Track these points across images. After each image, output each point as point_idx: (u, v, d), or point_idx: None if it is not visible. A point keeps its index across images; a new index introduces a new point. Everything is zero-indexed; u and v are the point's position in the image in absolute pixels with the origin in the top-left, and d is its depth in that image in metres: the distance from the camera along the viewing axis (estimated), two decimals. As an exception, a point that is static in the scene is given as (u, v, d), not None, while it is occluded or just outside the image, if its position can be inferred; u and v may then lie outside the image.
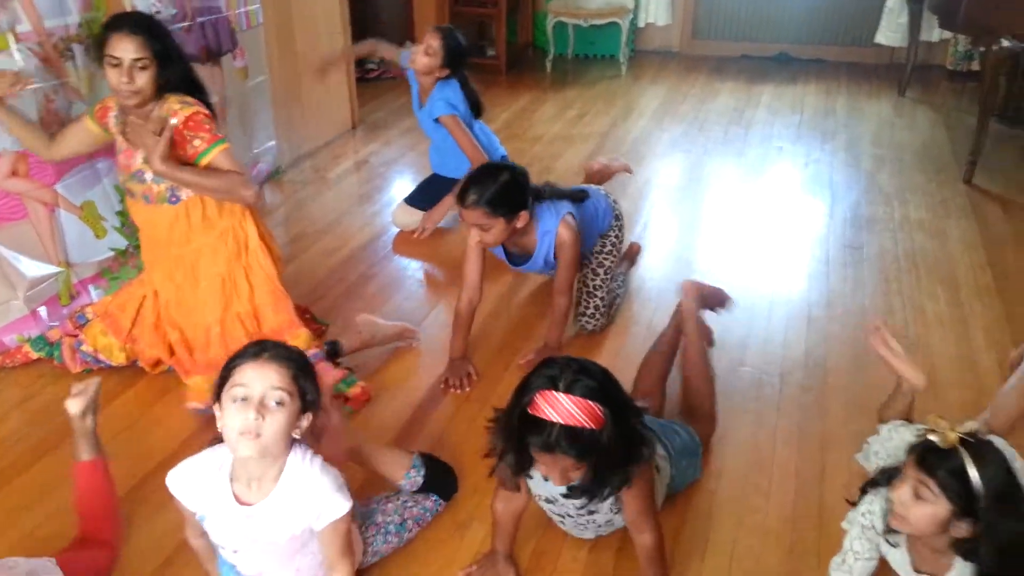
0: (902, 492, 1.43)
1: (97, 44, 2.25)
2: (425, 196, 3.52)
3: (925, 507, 1.40)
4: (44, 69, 2.63)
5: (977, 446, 1.39)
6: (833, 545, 1.84)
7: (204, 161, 2.27)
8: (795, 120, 4.91)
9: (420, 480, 1.91)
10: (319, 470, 1.50)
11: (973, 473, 1.35)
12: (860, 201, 3.75)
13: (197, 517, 1.56)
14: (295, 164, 4.24)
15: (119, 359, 2.50)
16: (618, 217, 2.82)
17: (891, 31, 5.57)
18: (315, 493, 1.48)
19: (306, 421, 1.48)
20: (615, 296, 2.83)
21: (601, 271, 2.74)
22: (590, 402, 1.45)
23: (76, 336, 2.54)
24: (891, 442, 1.93)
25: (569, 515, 1.75)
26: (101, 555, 1.71)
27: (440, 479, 1.97)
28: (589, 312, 2.72)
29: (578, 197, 2.62)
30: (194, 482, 1.53)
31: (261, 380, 1.40)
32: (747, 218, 3.62)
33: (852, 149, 4.41)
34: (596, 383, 1.48)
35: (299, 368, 1.46)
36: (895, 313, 2.82)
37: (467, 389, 2.46)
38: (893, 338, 1.76)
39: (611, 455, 1.48)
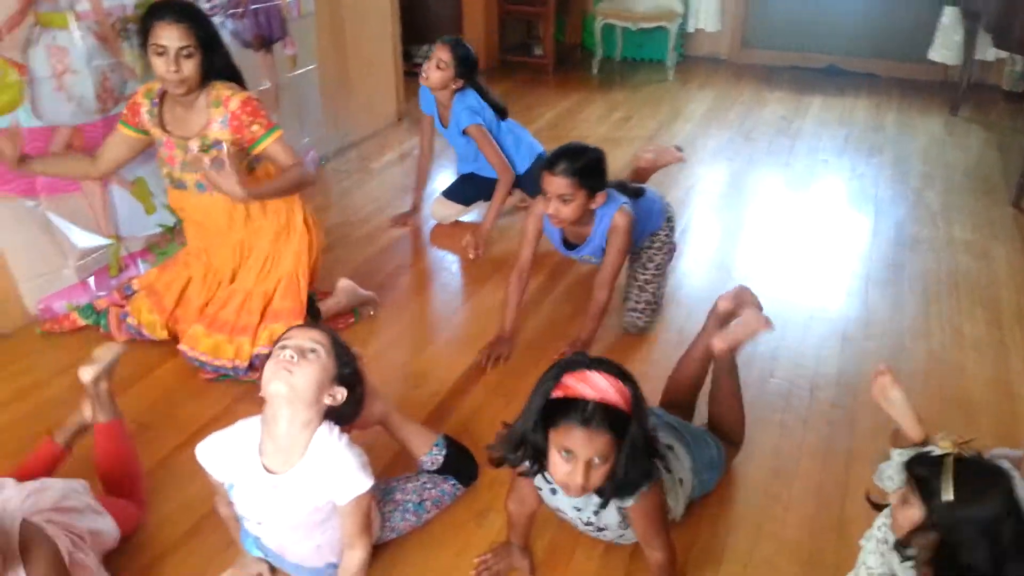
0: (894, 496, 1.43)
1: (141, 32, 2.27)
2: (463, 190, 3.55)
3: (908, 511, 1.39)
4: (101, 48, 2.72)
5: (973, 464, 1.33)
6: (851, 559, 1.83)
7: (261, 147, 2.34)
8: (843, 133, 4.85)
9: (440, 459, 1.94)
10: (345, 446, 1.56)
11: (947, 483, 1.31)
12: (905, 219, 3.69)
13: (225, 487, 1.60)
14: (340, 153, 4.30)
15: (161, 335, 2.57)
16: (670, 219, 2.82)
17: (945, 48, 5.47)
18: (340, 468, 1.53)
19: (340, 395, 1.55)
20: (660, 298, 2.82)
21: (652, 266, 2.75)
22: (620, 381, 1.45)
23: (123, 307, 2.62)
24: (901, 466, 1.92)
25: (577, 526, 1.76)
26: (130, 507, 1.77)
27: (461, 463, 2.00)
28: (640, 308, 2.73)
29: (635, 193, 2.64)
30: (223, 452, 1.58)
31: (302, 334, 1.56)
32: (788, 230, 3.60)
33: (900, 165, 4.35)
34: (619, 370, 1.49)
35: (337, 339, 1.61)
36: (932, 335, 2.78)
37: (488, 366, 2.54)
38: (895, 387, 1.70)
39: (637, 447, 1.47)
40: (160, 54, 2.20)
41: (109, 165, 2.55)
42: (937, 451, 1.37)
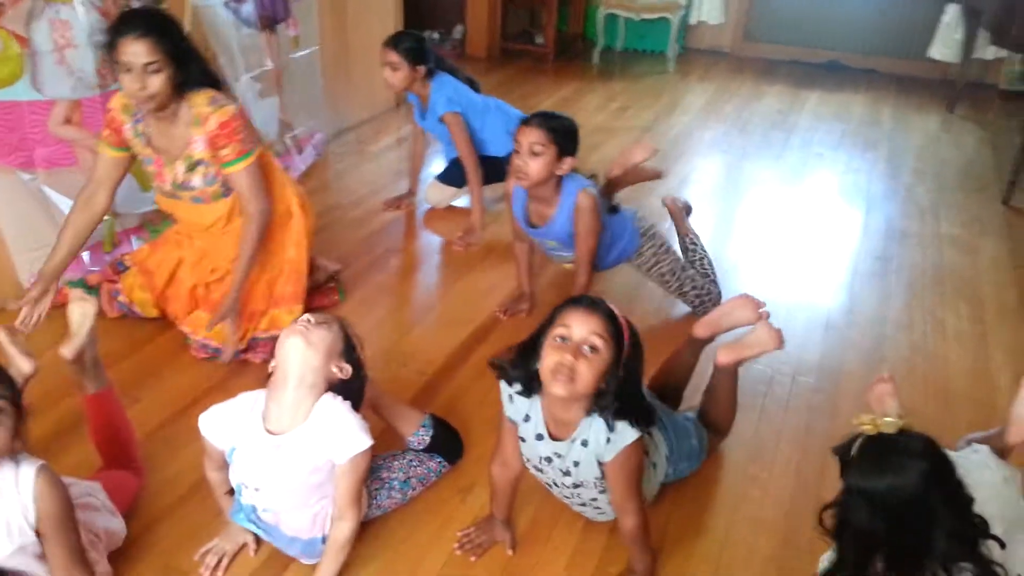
0: None
1: (107, 48, 2.11)
2: (457, 173, 3.57)
3: None
4: (103, 23, 2.74)
5: (883, 440, 1.31)
6: (829, 542, 1.88)
7: (229, 171, 2.26)
8: (839, 128, 4.88)
9: (427, 440, 1.98)
10: (347, 410, 1.63)
11: (856, 460, 1.32)
12: (895, 213, 3.73)
13: (227, 451, 1.65)
14: (338, 136, 4.33)
15: (152, 313, 2.60)
16: (645, 234, 2.72)
17: (946, 46, 5.49)
18: (341, 427, 1.60)
19: (346, 371, 1.67)
20: (704, 278, 2.79)
21: (667, 274, 2.74)
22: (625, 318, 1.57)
23: (115, 283, 2.65)
24: None
25: (555, 484, 1.80)
26: (129, 477, 1.82)
27: (447, 442, 2.04)
28: (695, 304, 2.77)
29: (610, 209, 2.62)
30: (226, 419, 1.65)
31: (315, 317, 1.68)
32: (779, 221, 3.63)
33: (893, 161, 4.38)
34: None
35: (347, 326, 1.74)
36: (915, 326, 2.82)
37: (506, 316, 2.75)
38: (893, 398, 1.74)
39: (629, 370, 1.56)
40: (127, 71, 2.06)
41: (108, 193, 2.40)
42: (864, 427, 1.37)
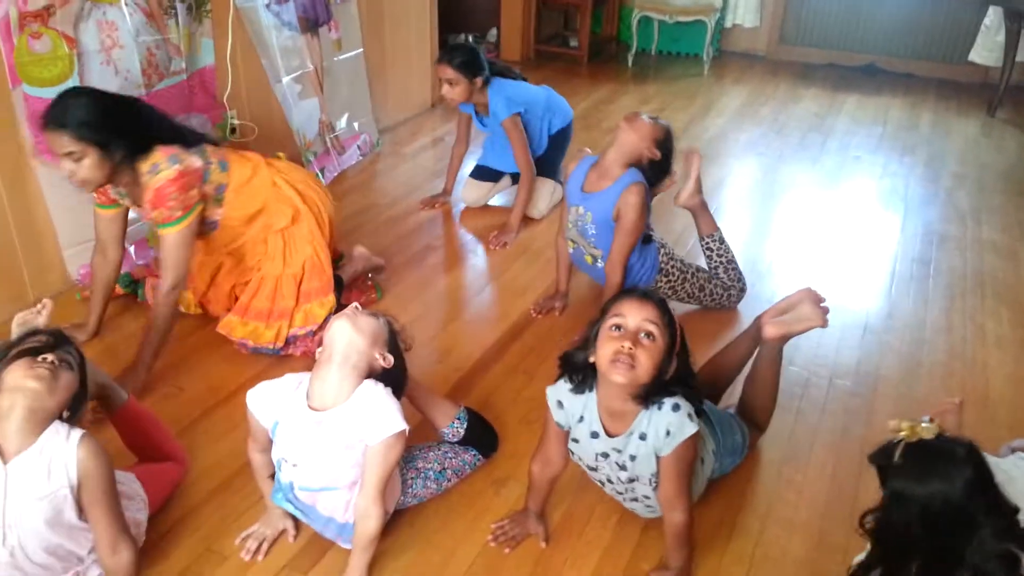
0: None
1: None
2: (488, 169, 3.61)
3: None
4: (148, 24, 2.81)
5: (923, 447, 1.31)
6: (861, 544, 1.87)
7: (160, 232, 2.24)
8: (877, 132, 4.83)
9: (462, 432, 2.01)
10: (387, 395, 1.69)
11: (896, 466, 1.33)
12: (934, 217, 3.68)
13: (270, 426, 1.69)
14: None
15: (194, 311, 2.65)
16: (663, 271, 2.69)
17: (987, 50, 5.41)
18: (379, 409, 1.65)
19: (389, 360, 1.73)
20: (725, 291, 2.79)
21: (684, 297, 2.75)
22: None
23: (159, 278, 2.69)
24: None
25: (609, 480, 1.80)
26: (170, 466, 1.86)
27: (482, 435, 2.06)
28: (714, 307, 2.79)
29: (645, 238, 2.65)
30: (272, 395, 1.70)
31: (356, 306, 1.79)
32: (816, 224, 3.60)
33: (932, 165, 4.32)
34: None
35: (390, 324, 1.80)
36: (954, 331, 2.79)
37: (540, 315, 2.78)
38: (956, 417, 1.77)
39: (682, 360, 1.62)
40: (59, 157, 2.08)
41: (117, 247, 2.45)
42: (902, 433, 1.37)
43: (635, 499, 1.83)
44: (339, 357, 1.66)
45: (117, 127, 2.10)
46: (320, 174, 3.72)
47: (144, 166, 2.16)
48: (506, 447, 2.13)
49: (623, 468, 1.73)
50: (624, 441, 1.68)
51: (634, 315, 1.57)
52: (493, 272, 3.10)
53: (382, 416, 1.64)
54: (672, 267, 2.72)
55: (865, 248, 3.39)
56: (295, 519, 1.86)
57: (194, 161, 2.25)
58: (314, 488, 1.72)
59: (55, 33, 2.55)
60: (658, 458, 1.67)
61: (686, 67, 6.18)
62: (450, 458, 1.97)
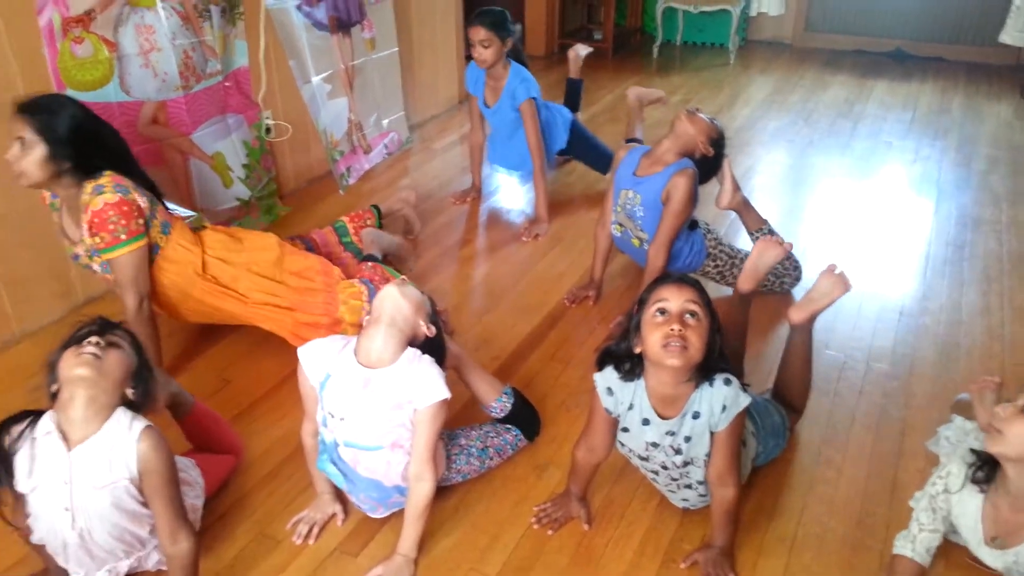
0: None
1: None
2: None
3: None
4: (184, 26, 2.87)
5: None
6: (903, 522, 1.87)
7: (104, 257, 2.15)
8: (907, 117, 4.80)
9: (508, 407, 2.06)
10: (430, 363, 1.75)
11: None
12: (968, 201, 3.66)
13: (320, 381, 1.75)
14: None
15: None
16: (712, 255, 2.76)
17: (1017, 30, 5.34)
18: (424, 375, 1.72)
19: (431, 330, 1.81)
20: (776, 279, 2.81)
21: (732, 280, 2.76)
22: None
23: None
24: (963, 431, 1.97)
25: (664, 467, 1.80)
26: (227, 457, 1.92)
27: (526, 415, 2.10)
28: (764, 291, 2.80)
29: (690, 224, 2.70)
30: (323, 351, 1.78)
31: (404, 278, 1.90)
32: (848, 210, 3.60)
33: (964, 148, 4.29)
34: None
35: (433, 303, 1.87)
36: (992, 312, 2.78)
37: (574, 305, 2.81)
38: (992, 394, 1.84)
39: (718, 331, 1.63)
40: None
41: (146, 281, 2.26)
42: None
43: (688, 486, 1.83)
44: (387, 318, 1.73)
45: (78, 139, 2.07)
46: (347, 173, 3.77)
47: (89, 185, 2.10)
48: (546, 432, 2.17)
49: (678, 452, 1.74)
50: (678, 423, 1.70)
51: (676, 298, 1.60)
52: (527, 263, 3.14)
53: (429, 382, 1.71)
54: (720, 252, 2.77)
55: (898, 233, 3.38)
56: (344, 504, 1.91)
57: (141, 199, 2.15)
58: (359, 445, 1.76)
59: (96, 37, 2.62)
60: (711, 435, 1.69)
61: (712, 57, 6.17)
62: (492, 437, 2.02)
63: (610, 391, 1.75)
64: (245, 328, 2.63)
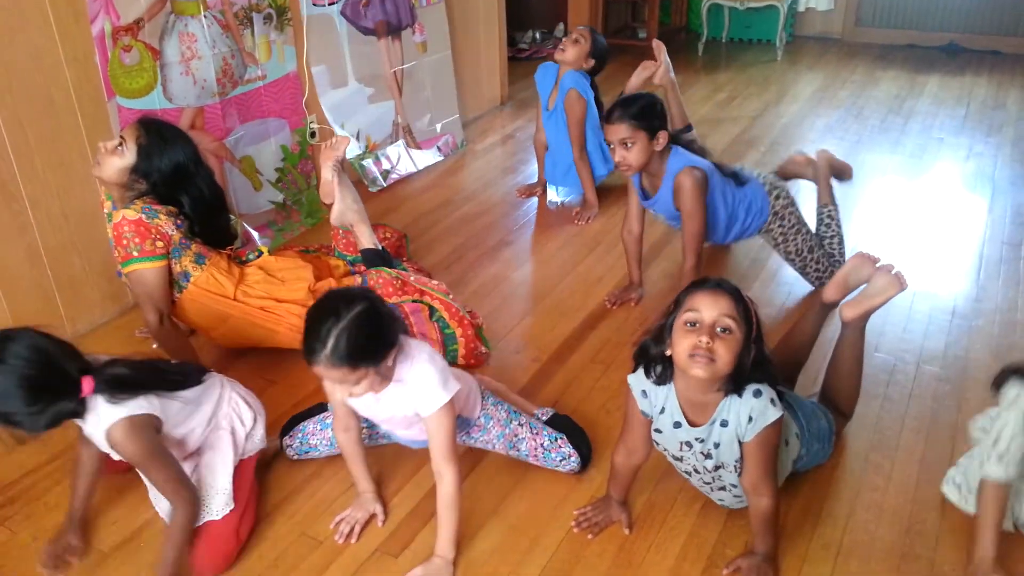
0: None
1: None
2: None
3: None
4: (224, 34, 2.92)
5: None
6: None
7: (124, 270, 2.23)
8: (960, 112, 4.67)
9: (550, 412, 2.14)
10: (426, 360, 1.72)
11: None
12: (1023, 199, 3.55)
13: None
14: (446, 134, 4.44)
15: None
16: (779, 213, 2.72)
17: (1079, 21, 5.17)
18: (423, 386, 1.71)
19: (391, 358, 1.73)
20: (830, 259, 2.79)
21: (793, 250, 2.75)
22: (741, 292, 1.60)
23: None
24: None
25: (696, 470, 1.80)
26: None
27: (572, 428, 2.08)
28: (812, 276, 2.79)
29: (733, 176, 2.66)
30: None
31: None
32: (899, 208, 3.51)
33: (1020, 144, 4.15)
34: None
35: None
36: (1050, 313, 2.69)
37: (615, 306, 2.79)
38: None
39: (758, 342, 1.59)
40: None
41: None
42: None
43: (722, 488, 1.82)
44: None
45: (166, 173, 2.19)
46: (382, 177, 3.79)
47: (129, 195, 2.21)
48: (587, 436, 2.15)
49: (708, 456, 1.73)
50: (707, 430, 1.68)
51: (709, 309, 1.55)
52: (567, 265, 3.12)
53: (428, 390, 1.71)
54: (789, 213, 2.73)
55: (951, 231, 3.28)
56: (384, 505, 1.92)
57: (166, 225, 2.20)
58: (395, 437, 1.98)
59: (143, 45, 2.67)
60: (741, 444, 1.66)
61: (758, 54, 6.08)
62: (528, 434, 2.01)
63: (644, 394, 1.74)
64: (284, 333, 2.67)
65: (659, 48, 3.40)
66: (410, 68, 3.86)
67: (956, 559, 1.78)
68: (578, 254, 3.19)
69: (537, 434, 2.01)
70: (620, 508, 1.90)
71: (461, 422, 1.94)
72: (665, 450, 1.82)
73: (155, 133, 2.19)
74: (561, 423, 2.08)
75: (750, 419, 1.62)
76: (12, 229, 2.43)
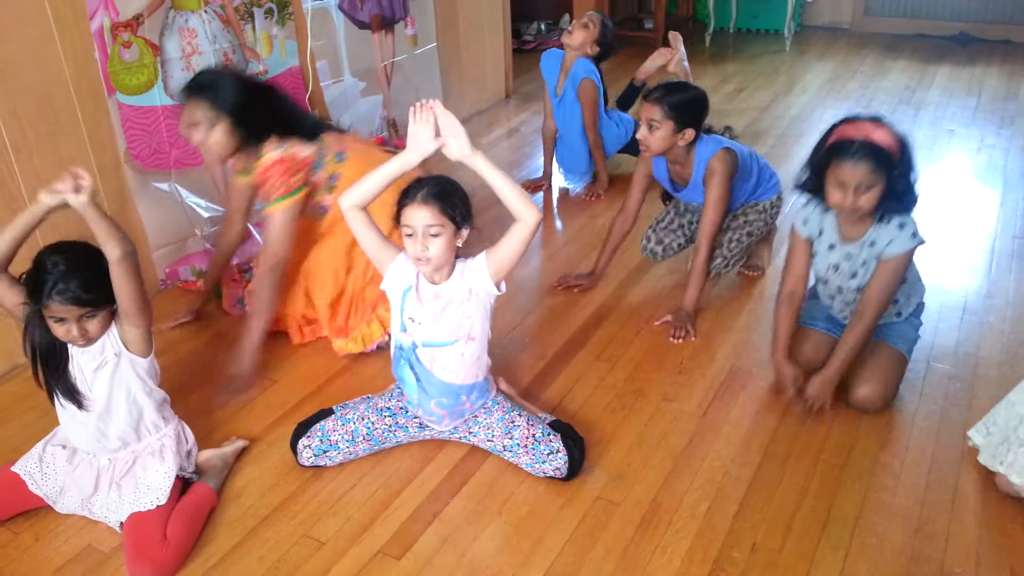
0: None
1: None
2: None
3: None
4: (224, 30, 2.89)
5: None
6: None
7: (267, 211, 2.34)
8: (971, 103, 4.61)
9: (551, 416, 2.12)
10: (472, 258, 1.95)
11: None
12: (1036, 190, 3.50)
13: (403, 290, 1.95)
14: (451, 128, 4.41)
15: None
16: (780, 197, 2.82)
17: (1092, 9, 5.10)
18: (473, 265, 1.94)
19: (461, 240, 1.92)
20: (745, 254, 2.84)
21: (747, 227, 2.75)
22: (889, 130, 1.94)
23: (243, 287, 2.74)
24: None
25: (840, 291, 2.18)
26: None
27: (571, 431, 2.05)
28: (722, 258, 2.75)
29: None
30: (408, 266, 1.95)
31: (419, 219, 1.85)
32: (906, 201, 3.47)
33: (1033, 135, 4.10)
34: (889, 124, 1.96)
35: (445, 202, 1.88)
36: (1062, 308, 2.65)
37: (556, 287, 2.87)
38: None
39: (899, 181, 1.94)
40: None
41: (242, 219, 2.60)
42: None
43: (853, 287, 2.14)
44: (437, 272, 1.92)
45: (248, 106, 2.27)
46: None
47: (269, 147, 2.31)
48: (591, 435, 2.12)
49: (853, 276, 2.09)
50: (857, 248, 2.07)
51: (851, 176, 1.92)
52: (573, 260, 3.09)
53: (475, 268, 1.93)
54: (774, 210, 2.83)
55: (962, 225, 3.24)
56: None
57: (301, 151, 2.33)
58: (436, 343, 1.94)
59: (142, 42, 2.65)
60: (880, 259, 2.02)
61: (767, 44, 6.02)
62: (526, 431, 2.01)
63: (804, 222, 2.14)
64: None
65: (676, 38, 3.42)
66: (400, 61, 3.83)
67: (967, 562, 1.75)
68: (583, 250, 3.16)
69: (533, 425, 2.01)
70: (788, 364, 2.18)
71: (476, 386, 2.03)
72: (816, 275, 2.21)
73: (207, 90, 2.24)
74: (561, 427, 2.05)
75: (890, 242, 2.00)
76: (12, 227, 2.40)
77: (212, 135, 2.26)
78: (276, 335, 2.55)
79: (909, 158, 1.96)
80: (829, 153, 1.96)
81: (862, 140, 1.90)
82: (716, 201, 2.52)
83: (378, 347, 2.49)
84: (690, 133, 2.48)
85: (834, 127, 1.99)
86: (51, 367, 1.79)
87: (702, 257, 2.55)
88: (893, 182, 1.93)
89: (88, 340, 1.76)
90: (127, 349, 1.82)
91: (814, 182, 2.04)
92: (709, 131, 2.62)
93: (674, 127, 2.45)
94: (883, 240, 2.02)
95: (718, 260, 2.73)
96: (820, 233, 2.12)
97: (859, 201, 1.94)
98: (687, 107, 2.46)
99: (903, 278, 2.09)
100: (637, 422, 2.20)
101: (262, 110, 2.30)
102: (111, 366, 1.81)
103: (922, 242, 2.01)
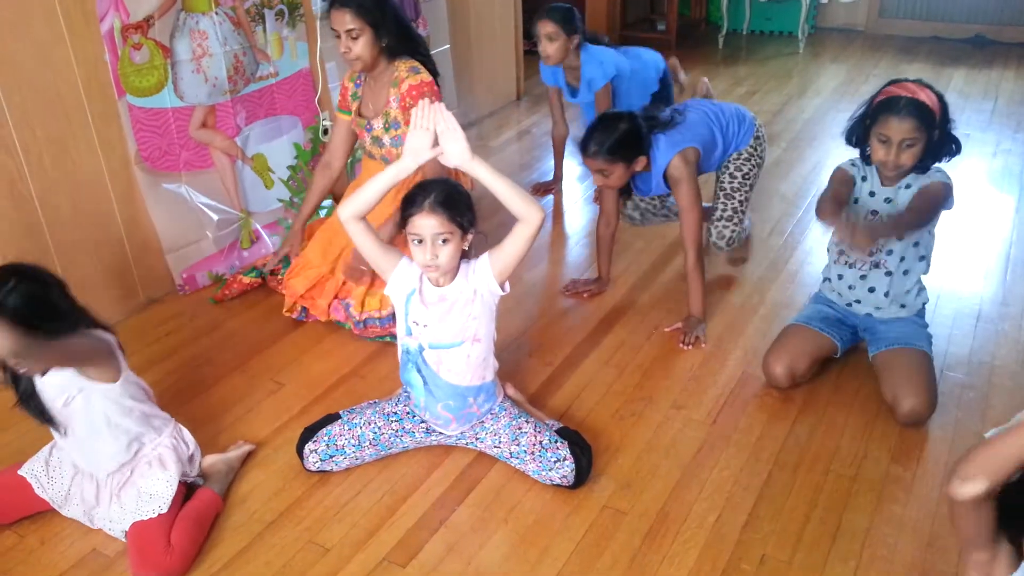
0: None
1: (326, 15, 2.57)
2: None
3: None
4: (235, 31, 2.89)
5: None
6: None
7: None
8: (987, 107, 4.56)
9: (558, 423, 2.10)
10: (475, 259, 1.93)
11: None
12: (1053, 196, 3.46)
13: (407, 294, 1.93)
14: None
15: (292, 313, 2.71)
16: (759, 138, 2.79)
17: (1111, 12, 5.04)
18: (477, 266, 1.93)
19: (467, 244, 1.91)
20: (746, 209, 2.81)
21: (739, 175, 2.74)
22: (932, 92, 2.06)
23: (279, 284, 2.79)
24: None
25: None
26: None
27: (578, 439, 2.04)
28: (727, 215, 2.73)
29: (664, 124, 2.58)
30: (412, 270, 1.94)
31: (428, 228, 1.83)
32: (920, 207, 3.43)
33: (1050, 140, 4.06)
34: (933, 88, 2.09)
35: (453, 210, 1.85)
36: (1079, 317, 2.61)
37: (565, 293, 2.85)
38: None
39: (939, 137, 2.06)
40: (337, 36, 2.45)
41: (339, 157, 2.77)
42: None
43: (888, 272, 2.24)
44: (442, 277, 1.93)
45: (390, 18, 2.46)
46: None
47: (404, 65, 2.49)
48: (599, 442, 2.10)
49: (887, 201, 2.17)
50: (895, 191, 2.17)
51: (895, 132, 2.03)
52: (582, 266, 3.08)
53: (479, 268, 1.92)
54: (759, 156, 2.80)
55: (976, 231, 3.20)
56: None
57: (425, 71, 2.53)
58: (441, 344, 1.93)
59: (153, 43, 2.64)
60: (919, 188, 2.13)
61: (780, 46, 5.98)
62: (528, 421, 2.03)
63: (852, 163, 2.25)
64: (295, 333, 2.66)
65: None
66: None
67: (980, 576, 1.73)
68: (593, 254, 3.13)
69: (540, 432, 2.00)
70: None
71: (483, 389, 2.02)
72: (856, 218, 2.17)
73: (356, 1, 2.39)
74: (568, 434, 2.04)
75: (928, 179, 2.12)
76: (21, 228, 2.41)
77: (356, 46, 2.42)
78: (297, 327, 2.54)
79: (948, 119, 2.09)
80: (877, 110, 2.07)
81: (909, 97, 2.01)
82: (690, 206, 2.50)
83: (380, 325, 2.52)
84: (642, 160, 2.49)
85: (882, 88, 2.10)
86: (21, 395, 1.76)
87: (692, 259, 2.52)
88: (933, 143, 2.06)
89: (41, 372, 1.71)
90: (90, 381, 1.76)
91: (860, 138, 2.17)
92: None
93: (624, 166, 2.46)
94: (918, 183, 2.14)
95: (723, 226, 2.72)
96: (864, 179, 2.22)
97: (901, 158, 2.05)
98: (624, 143, 2.42)
99: (936, 214, 2.17)
100: (646, 430, 2.18)
101: (402, 23, 2.50)
102: (81, 399, 1.76)
103: (946, 180, 2.12)
